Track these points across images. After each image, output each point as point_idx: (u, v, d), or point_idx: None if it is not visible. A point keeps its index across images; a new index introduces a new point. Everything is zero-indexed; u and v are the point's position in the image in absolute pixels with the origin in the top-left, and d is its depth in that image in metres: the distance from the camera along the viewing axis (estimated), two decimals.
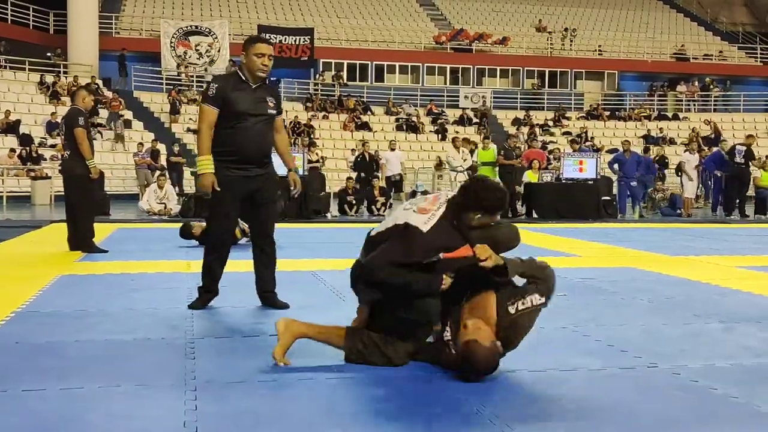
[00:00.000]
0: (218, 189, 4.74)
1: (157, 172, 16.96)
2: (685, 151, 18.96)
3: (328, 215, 15.03)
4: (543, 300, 3.45)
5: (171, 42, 29.03)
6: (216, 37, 29.13)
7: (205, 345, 4.01)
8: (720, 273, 7.07)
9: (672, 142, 28.06)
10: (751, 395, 3.19)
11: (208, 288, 4.99)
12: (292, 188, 5.12)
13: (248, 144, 4.77)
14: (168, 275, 6.65)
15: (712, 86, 33.07)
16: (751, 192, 16.83)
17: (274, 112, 4.91)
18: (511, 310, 3.42)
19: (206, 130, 4.76)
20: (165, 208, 14.50)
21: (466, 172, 15.48)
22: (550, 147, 21.83)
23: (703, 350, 4.02)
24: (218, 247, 4.98)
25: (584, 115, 30.77)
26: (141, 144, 20.84)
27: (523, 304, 3.42)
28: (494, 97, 31.03)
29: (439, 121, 28.62)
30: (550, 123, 29.28)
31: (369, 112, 29.01)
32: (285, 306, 4.96)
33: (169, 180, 15.87)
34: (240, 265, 5.75)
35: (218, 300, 5.03)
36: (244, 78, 4.81)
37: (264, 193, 4.92)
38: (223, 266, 5.02)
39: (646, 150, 19.79)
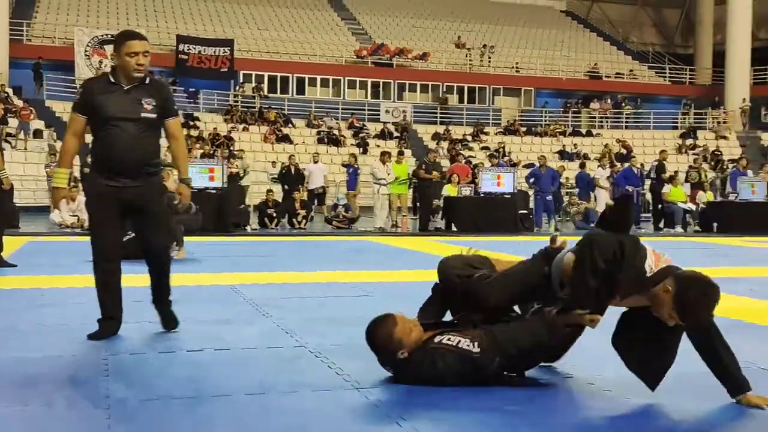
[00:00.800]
0: (91, 203, 4.49)
1: (71, 184, 16.44)
2: (598, 166, 19.55)
3: (248, 228, 14.87)
4: (476, 350, 3.31)
5: (86, 50, 28.29)
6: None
7: (119, 362, 3.89)
8: None
9: (586, 157, 28.85)
10: (663, 405, 3.28)
11: (107, 314, 4.49)
12: (175, 201, 4.69)
13: (116, 152, 4.28)
14: (80, 290, 6.44)
15: (623, 104, 34.20)
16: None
17: (153, 115, 4.35)
18: (436, 339, 3.37)
19: (69, 140, 4.44)
20: (78, 220, 14.08)
21: (388, 186, 15.56)
22: (474, 161, 22.16)
23: (618, 360, 4.12)
24: (100, 263, 4.49)
25: (502, 130, 31.37)
26: (53, 155, 20.19)
27: (449, 340, 3.35)
28: (414, 112, 31.33)
29: (361, 134, 28.71)
30: (469, 138, 29.72)
31: (290, 125, 28.90)
32: (172, 325, 4.62)
33: (82, 192, 15.42)
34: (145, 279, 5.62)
35: (132, 315, 4.88)
36: (113, 80, 4.34)
37: (142, 205, 4.39)
38: (116, 284, 4.52)
39: (582, 166, 20.24)
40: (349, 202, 17.44)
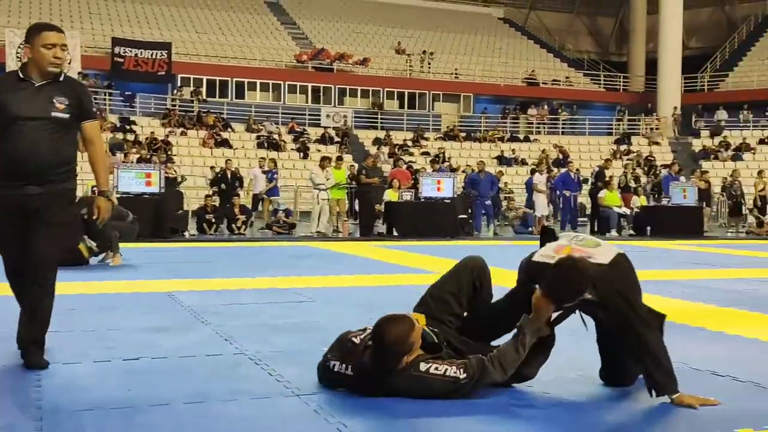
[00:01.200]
0: None
1: None
2: (535, 171, 19.86)
3: (186, 234, 14.65)
4: (462, 376, 3.33)
5: (17, 52, 27.53)
6: (66, 49, 27.86)
7: (51, 371, 3.79)
8: None
9: (524, 163, 29.29)
10: (598, 406, 3.34)
11: (29, 337, 3.94)
12: (94, 216, 4.08)
13: (20, 154, 3.78)
14: (9, 298, 6.26)
15: (560, 110, 34.84)
16: None
17: (66, 115, 3.87)
18: (422, 367, 3.33)
19: None
20: None
21: (328, 191, 15.53)
22: (415, 167, 22.27)
23: (554, 363, 4.17)
24: (11, 280, 4.07)
25: (441, 135, 31.61)
26: None
27: (436, 369, 3.32)
28: (355, 117, 31.36)
29: (301, 139, 28.60)
30: (410, 143, 29.88)
31: (229, 129, 28.60)
32: (41, 366, 3.83)
33: None
34: (91, 286, 5.50)
35: (65, 324, 4.76)
36: (23, 76, 3.89)
37: (42, 214, 3.84)
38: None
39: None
40: (268, 207, 17.35)
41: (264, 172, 18.53)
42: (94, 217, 4.03)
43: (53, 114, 3.84)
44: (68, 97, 3.89)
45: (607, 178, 17.61)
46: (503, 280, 6.94)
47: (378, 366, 3.31)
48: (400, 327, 3.28)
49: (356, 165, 20.97)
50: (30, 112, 3.81)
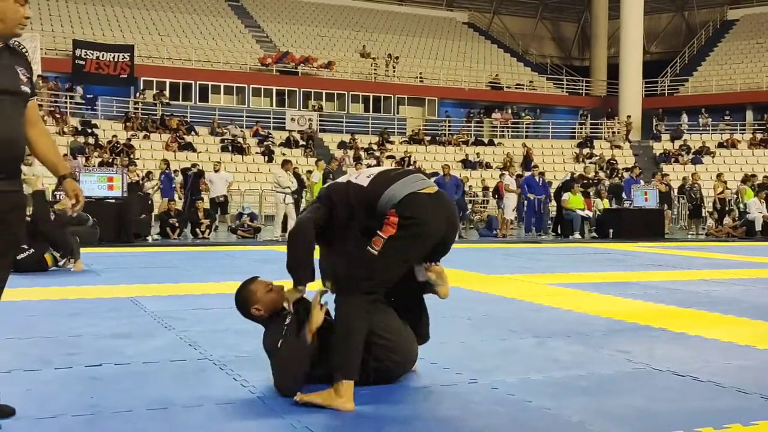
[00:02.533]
0: None
1: None
2: (502, 174, 19.99)
3: (149, 238, 14.51)
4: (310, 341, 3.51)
5: None
6: (26, 51, 27.41)
7: (12, 379, 3.72)
8: (532, 290, 7.48)
9: (488, 166, 29.48)
10: (563, 406, 3.38)
11: None
12: (72, 202, 3.23)
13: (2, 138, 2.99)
14: None
15: (523, 114, 35.13)
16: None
17: (28, 89, 3.12)
18: (287, 320, 3.63)
19: None
20: None
21: (292, 195, 15.49)
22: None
23: (519, 365, 4.22)
24: None
25: (407, 139, 31.70)
26: None
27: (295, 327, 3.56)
28: (320, 121, 31.31)
29: (266, 143, 28.48)
30: (375, 146, 29.91)
31: (193, 133, 28.38)
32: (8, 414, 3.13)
33: None
34: (52, 292, 5.42)
35: (26, 330, 4.69)
36: None
37: (10, 221, 3.07)
38: None
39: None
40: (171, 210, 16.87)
41: (163, 173, 18.14)
42: (73, 204, 3.23)
43: (22, 88, 3.09)
44: (26, 68, 3.16)
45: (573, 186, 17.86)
46: (468, 283, 7.03)
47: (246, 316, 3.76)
48: (245, 284, 3.79)
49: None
50: (3, 83, 3.04)
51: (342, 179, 3.69)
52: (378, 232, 3.36)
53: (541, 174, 18.60)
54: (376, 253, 3.34)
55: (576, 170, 24.81)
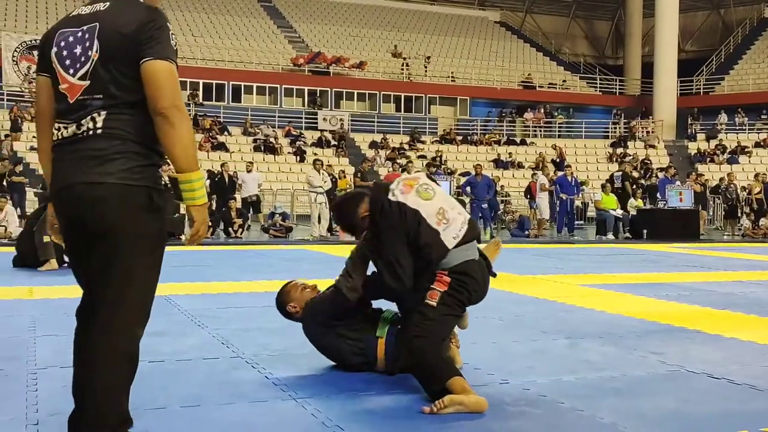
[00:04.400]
0: None
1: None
2: (534, 174, 19.88)
3: (183, 237, 14.63)
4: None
5: (14, 56, 27.51)
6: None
7: (49, 375, 3.79)
8: (564, 291, 7.43)
9: (520, 166, 29.32)
10: (595, 407, 3.35)
11: None
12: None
13: None
14: (7, 302, 6.26)
15: (556, 113, 34.88)
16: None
17: None
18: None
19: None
20: (5, 231, 13.67)
21: (325, 194, 15.54)
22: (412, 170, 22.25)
23: (551, 366, 4.19)
24: None
25: (438, 139, 31.64)
26: None
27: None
28: (352, 120, 31.37)
29: (297, 143, 28.60)
30: (406, 146, 29.90)
31: (226, 133, 28.60)
32: None
33: (9, 201, 14.97)
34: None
35: (61, 327, 4.75)
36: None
37: None
38: None
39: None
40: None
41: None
42: None
43: None
44: None
45: (601, 182, 17.68)
46: (499, 283, 6.99)
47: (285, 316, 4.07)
48: (282, 289, 4.09)
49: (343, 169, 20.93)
50: None
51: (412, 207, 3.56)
52: (432, 286, 3.49)
53: (574, 174, 18.45)
54: (434, 305, 3.45)
55: (609, 170, 24.61)
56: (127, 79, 2.49)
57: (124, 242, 2.49)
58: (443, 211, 3.53)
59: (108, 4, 2.58)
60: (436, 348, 3.42)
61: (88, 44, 2.52)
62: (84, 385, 2.54)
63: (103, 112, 2.49)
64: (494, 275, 3.79)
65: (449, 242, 3.47)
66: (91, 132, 2.49)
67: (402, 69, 34.63)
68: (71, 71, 2.54)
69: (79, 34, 2.55)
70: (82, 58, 2.52)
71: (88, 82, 2.51)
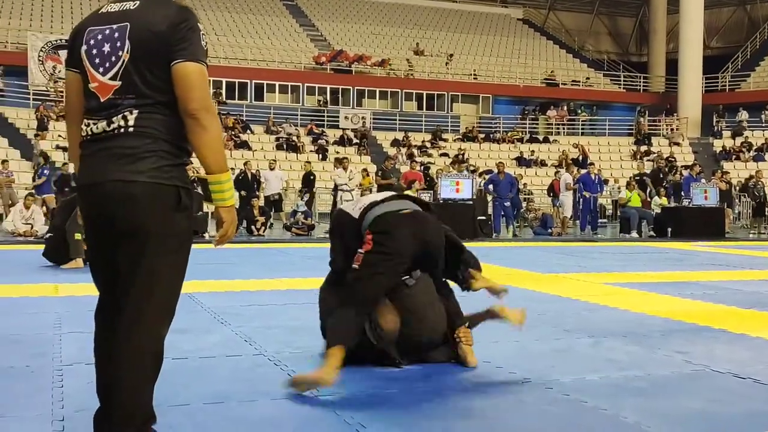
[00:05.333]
0: None
1: (26, 192, 16.13)
2: (557, 172, 19.77)
3: (206, 235, 14.73)
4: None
5: (39, 56, 27.80)
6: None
7: (74, 372, 3.83)
8: (588, 289, 7.38)
9: (543, 164, 29.17)
10: (619, 407, 3.33)
11: None
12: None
13: None
14: (33, 299, 6.33)
15: (579, 111, 34.65)
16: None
17: None
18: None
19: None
20: (31, 228, 13.83)
21: (351, 192, 15.58)
22: (433, 168, 22.21)
23: (574, 365, 4.17)
24: None
25: (460, 137, 31.56)
26: (5, 161, 19.80)
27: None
28: (374, 118, 31.37)
29: (320, 141, 28.66)
30: (428, 144, 29.85)
31: (248, 131, 28.72)
32: None
33: (36, 200, 15.15)
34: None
35: (85, 324, 4.78)
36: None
37: None
38: None
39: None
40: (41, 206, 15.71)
41: (39, 168, 18.01)
42: None
43: None
44: None
45: (626, 179, 17.53)
46: (522, 281, 7.00)
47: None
48: None
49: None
50: None
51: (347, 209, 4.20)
52: (359, 250, 3.82)
53: (598, 172, 18.33)
54: (357, 267, 3.76)
55: (633, 167, 24.41)
56: (158, 80, 2.50)
57: (152, 241, 2.51)
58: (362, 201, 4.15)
59: (138, 2, 2.58)
60: (349, 310, 3.69)
61: (119, 44, 2.53)
62: (109, 384, 2.56)
63: (135, 111, 2.51)
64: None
65: (355, 213, 4.00)
66: (122, 129, 2.51)
67: (424, 67, 34.57)
68: (101, 70, 2.55)
69: (108, 32, 2.56)
70: (113, 58, 2.53)
71: (119, 83, 2.52)
